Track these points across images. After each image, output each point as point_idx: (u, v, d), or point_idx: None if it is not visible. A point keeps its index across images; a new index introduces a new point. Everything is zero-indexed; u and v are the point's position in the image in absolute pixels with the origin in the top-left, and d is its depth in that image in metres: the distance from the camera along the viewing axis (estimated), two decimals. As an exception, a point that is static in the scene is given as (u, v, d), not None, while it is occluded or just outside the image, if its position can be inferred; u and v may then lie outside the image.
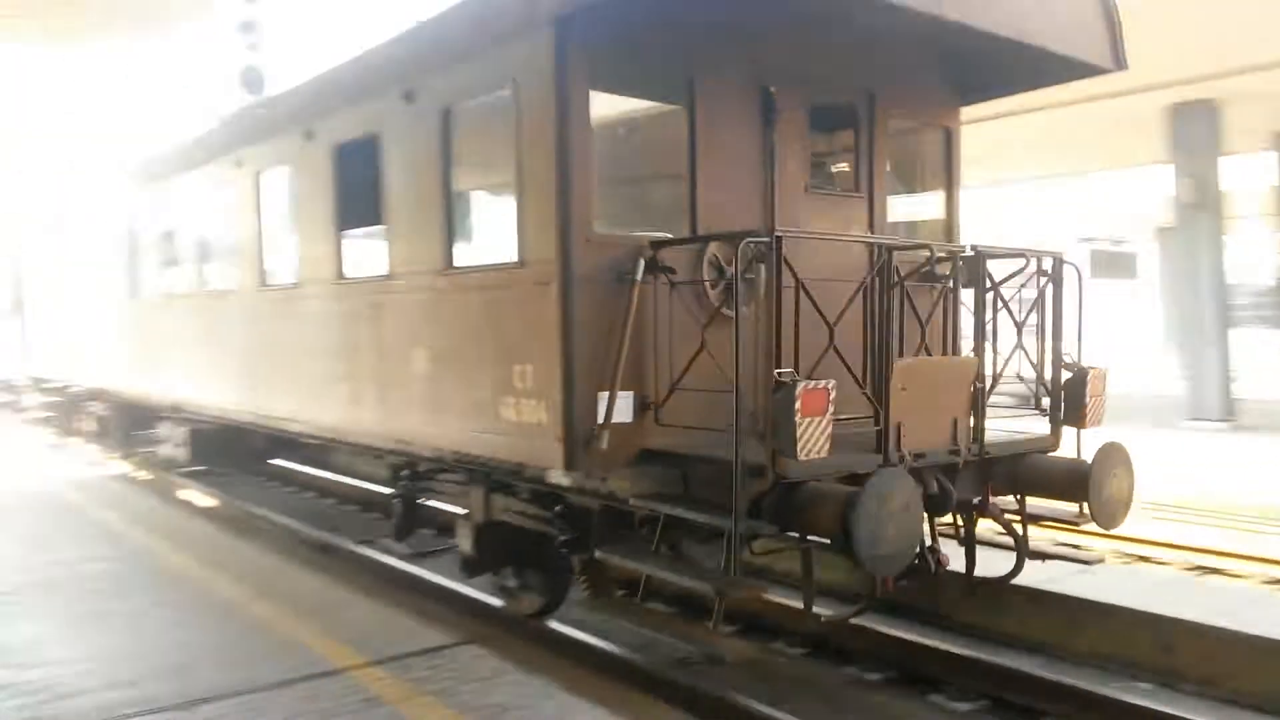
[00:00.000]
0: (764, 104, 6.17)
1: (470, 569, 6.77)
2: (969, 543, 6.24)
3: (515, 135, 5.59)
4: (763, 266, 4.80)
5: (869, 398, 5.27)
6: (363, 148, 7.03)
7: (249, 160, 8.86)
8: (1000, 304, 6.02)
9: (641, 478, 5.32)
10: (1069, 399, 6.10)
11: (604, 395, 5.29)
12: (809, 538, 5.00)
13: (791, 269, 4.89)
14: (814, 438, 4.69)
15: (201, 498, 12.95)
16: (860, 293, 5.32)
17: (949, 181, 7.22)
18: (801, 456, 4.67)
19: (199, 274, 10.08)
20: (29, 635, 5.56)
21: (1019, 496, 6.16)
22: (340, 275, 7.55)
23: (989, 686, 6.13)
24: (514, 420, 5.68)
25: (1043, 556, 6.34)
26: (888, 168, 6.99)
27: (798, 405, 4.62)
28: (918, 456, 5.33)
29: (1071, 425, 6.12)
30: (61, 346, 15.19)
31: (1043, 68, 6.34)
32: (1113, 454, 5.94)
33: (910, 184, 7.52)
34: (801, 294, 4.97)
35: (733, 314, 4.89)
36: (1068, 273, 6.15)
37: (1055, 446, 6.24)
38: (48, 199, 15.30)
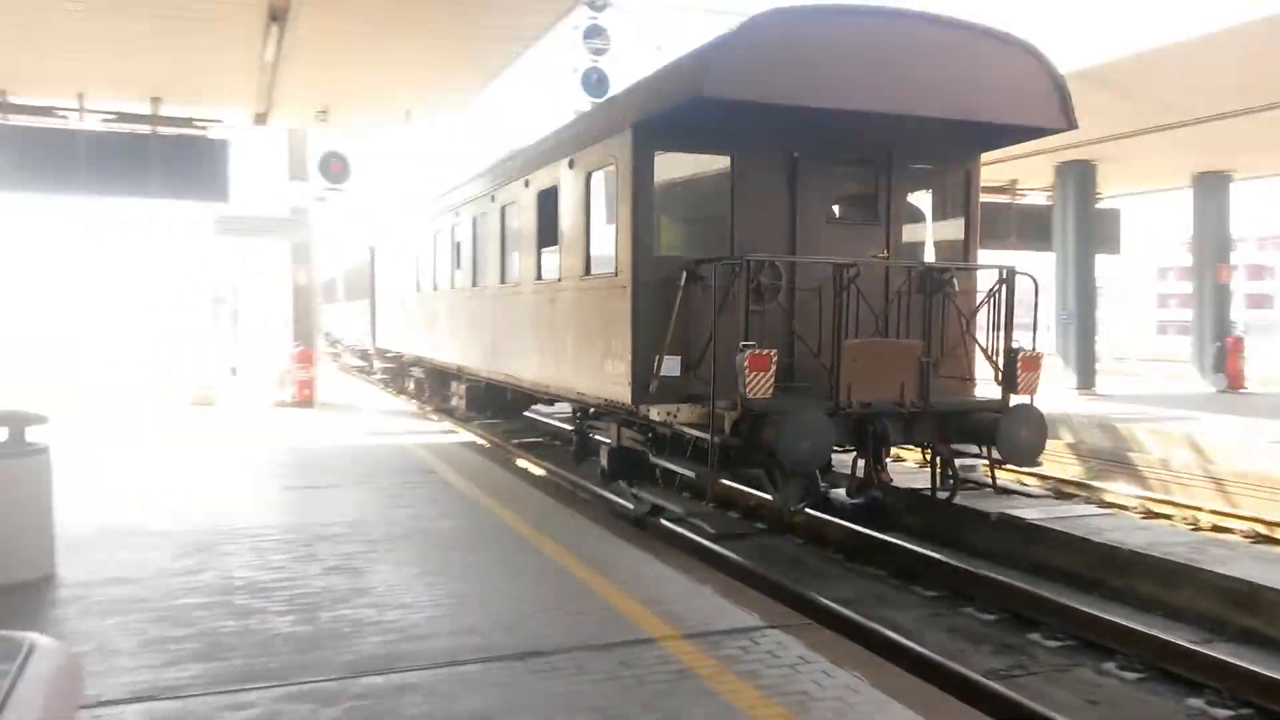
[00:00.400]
0: (790, 165, 8.42)
1: (606, 479, 9.67)
2: (931, 470, 8.69)
3: (617, 193, 8.32)
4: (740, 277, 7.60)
5: (822, 365, 7.61)
6: (550, 194, 10.07)
7: (499, 198, 12.01)
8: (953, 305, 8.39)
9: (685, 412, 7.93)
10: (1011, 374, 8.08)
11: (657, 358, 7.90)
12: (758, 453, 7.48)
13: (757, 280, 7.70)
14: (758, 384, 7.12)
15: (533, 467, 13.98)
16: (837, 294, 7.59)
17: (968, 211, 9.10)
18: (749, 395, 7.12)
19: (470, 275, 13.38)
20: (391, 580, 6.24)
21: (984, 446, 8.04)
22: (539, 277, 10.56)
23: (900, 560, 8.79)
24: (611, 372, 8.51)
25: (1007, 491, 8.78)
26: (914, 199, 9.29)
27: (745, 363, 7.09)
28: (865, 405, 7.65)
29: (1011, 393, 8.08)
30: (393, 326, 19.61)
31: (1017, 131, 8.45)
32: (1022, 412, 7.87)
33: (938, 212, 9.49)
34: (808, 294, 7.92)
35: (757, 308, 7.66)
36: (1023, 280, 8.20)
37: (1004, 408, 7.99)
38: (390, 219, 20.06)
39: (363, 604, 5.70)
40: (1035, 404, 7.96)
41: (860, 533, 9.71)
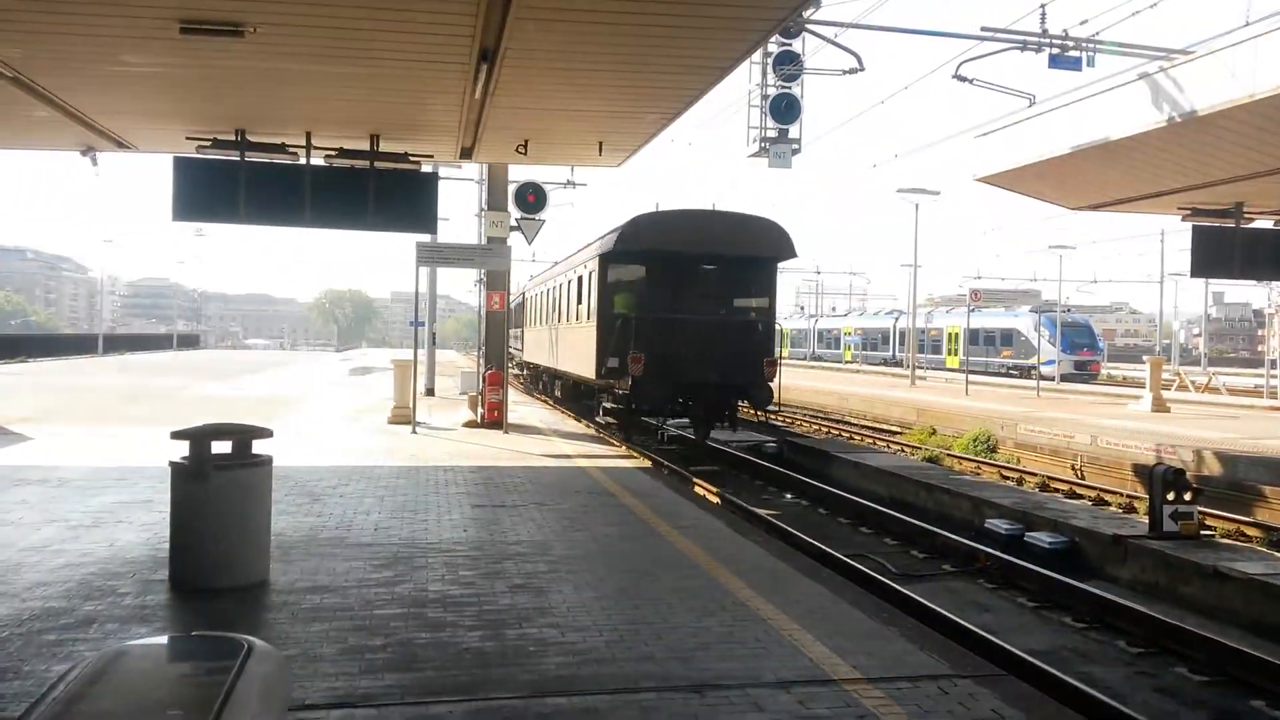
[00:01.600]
0: (677, 271, 17.58)
1: (596, 415, 19.61)
2: (732, 415, 18.44)
3: (597, 284, 18.15)
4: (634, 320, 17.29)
5: (671, 364, 16.79)
6: (579, 279, 19.78)
7: (566, 276, 21.95)
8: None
9: (618, 384, 17.47)
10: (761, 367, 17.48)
11: (606, 358, 17.45)
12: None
13: (638, 322, 17.12)
14: (636, 369, 16.63)
15: (710, 495, 13.95)
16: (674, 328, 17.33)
17: (771, 292, 18.49)
18: (632, 375, 16.68)
19: (555, 316, 23.73)
20: (572, 601, 6.34)
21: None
22: (576, 320, 20.20)
23: (1102, 612, 7.33)
24: (588, 365, 18.23)
25: (773, 429, 21.26)
26: (744, 285, 18.22)
27: (630, 360, 16.68)
28: (694, 380, 17.00)
29: (764, 379, 17.32)
30: (529, 346, 30.84)
31: (774, 259, 18.33)
32: (761, 385, 17.24)
33: (756, 292, 18.33)
34: (663, 324, 17.16)
35: (656, 336, 17.25)
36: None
37: (754, 383, 17.30)
38: (529, 277, 34.66)
39: (545, 624, 5.81)
40: (769, 383, 17.37)
41: (1057, 580, 9.13)
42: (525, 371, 34.54)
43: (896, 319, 58.87)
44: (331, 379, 34.81)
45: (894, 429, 25.08)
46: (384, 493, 10.41)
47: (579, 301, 20.01)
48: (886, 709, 4.59)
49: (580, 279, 19.83)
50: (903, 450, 20.80)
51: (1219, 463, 15.31)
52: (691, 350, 16.93)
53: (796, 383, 36.33)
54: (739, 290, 18.15)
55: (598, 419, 19.77)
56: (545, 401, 27.09)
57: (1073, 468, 17.80)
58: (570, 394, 23.79)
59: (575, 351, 20.26)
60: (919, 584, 9.57)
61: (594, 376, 18.01)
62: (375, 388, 28.03)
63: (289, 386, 29.44)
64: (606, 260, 17.97)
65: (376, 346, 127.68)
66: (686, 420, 18.97)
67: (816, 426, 26.29)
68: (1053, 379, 37.97)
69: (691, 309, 17.32)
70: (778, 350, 17.97)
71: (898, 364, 53.57)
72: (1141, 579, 9.44)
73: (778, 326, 18.53)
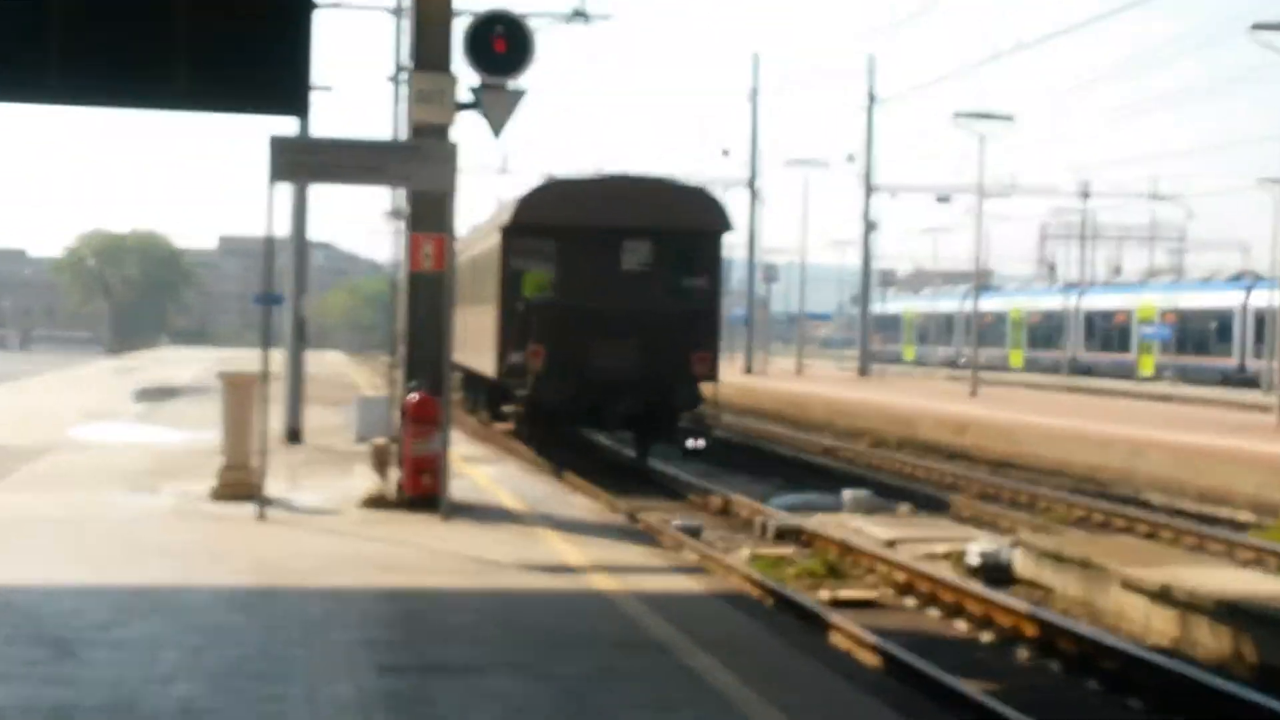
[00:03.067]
0: (594, 249, 31.66)
1: (488, 415, 42.34)
2: (669, 424, 34.16)
3: (499, 263, 34.39)
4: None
5: (580, 360, 31.38)
6: (489, 253, 37.41)
7: (481, 246, 41.13)
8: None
9: (524, 381, 33.57)
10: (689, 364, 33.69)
11: (509, 352, 33.99)
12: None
13: (542, 308, 33.10)
14: (535, 363, 31.73)
15: (860, 649, 13.87)
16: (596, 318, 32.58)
17: (715, 266, 35.81)
18: (531, 370, 32.02)
19: (465, 296, 37.13)
20: None
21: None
22: (480, 303, 37.75)
23: None
24: (490, 358, 35.13)
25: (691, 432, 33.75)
26: (674, 264, 33.60)
27: (529, 354, 31.84)
28: (607, 379, 31.19)
29: (698, 375, 33.09)
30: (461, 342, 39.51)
31: (695, 230, 34.71)
32: (686, 382, 32.03)
33: (690, 273, 34.11)
34: (573, 312, 32.58)
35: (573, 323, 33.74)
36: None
37: (686, 384, 33.19)
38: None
39: None
40: (697, 381, 31.19)
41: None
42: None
43: (1249, 290, 58.59)
44: (101, 409, 35.25)
45: (1243, 517, 24.93)
46: (202, 640, 10.44)
47: (484, 282, 32.56)
48: None
49: (486, 253, 32.78)
50: (1259, 558, 20.63)
51: None
52: (606, 343, 26.79)
53: (1030, 419, 36.13)
54: (668, 271, 28.92)
55: (496, 426, 33.30)
56: (523, 457, 28.84)
57: None
58: (485, 400, 38.28)
59: (478, 342, 32.50)
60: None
61: (495, 374, 30.30)
62: (185, 427, 28.28)
63: (18, 424, 29.81)
64: (508, 235, 29.33)
65: (190, 343, 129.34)
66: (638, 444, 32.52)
67: (1074, 509, 26.21)
68: None
69: (610, 293, 27.51)
70: (719, 341, 31.45)
71: (1252, 382, 53.30)
72: None
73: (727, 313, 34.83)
